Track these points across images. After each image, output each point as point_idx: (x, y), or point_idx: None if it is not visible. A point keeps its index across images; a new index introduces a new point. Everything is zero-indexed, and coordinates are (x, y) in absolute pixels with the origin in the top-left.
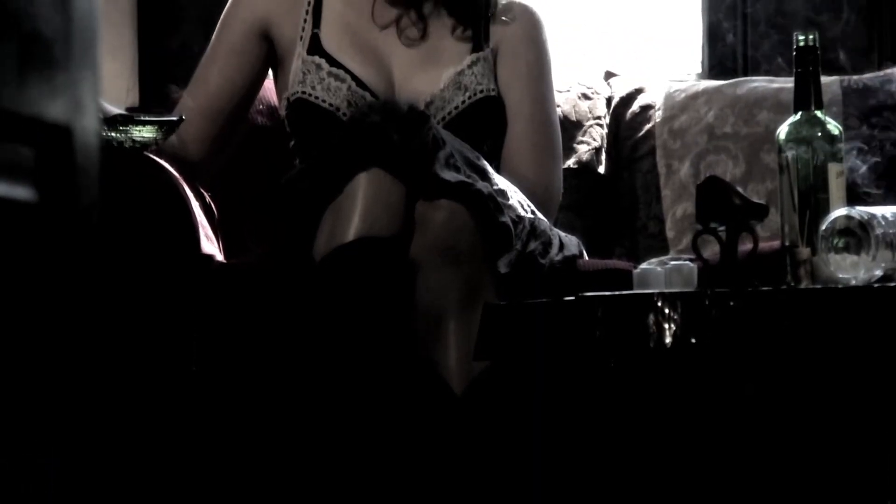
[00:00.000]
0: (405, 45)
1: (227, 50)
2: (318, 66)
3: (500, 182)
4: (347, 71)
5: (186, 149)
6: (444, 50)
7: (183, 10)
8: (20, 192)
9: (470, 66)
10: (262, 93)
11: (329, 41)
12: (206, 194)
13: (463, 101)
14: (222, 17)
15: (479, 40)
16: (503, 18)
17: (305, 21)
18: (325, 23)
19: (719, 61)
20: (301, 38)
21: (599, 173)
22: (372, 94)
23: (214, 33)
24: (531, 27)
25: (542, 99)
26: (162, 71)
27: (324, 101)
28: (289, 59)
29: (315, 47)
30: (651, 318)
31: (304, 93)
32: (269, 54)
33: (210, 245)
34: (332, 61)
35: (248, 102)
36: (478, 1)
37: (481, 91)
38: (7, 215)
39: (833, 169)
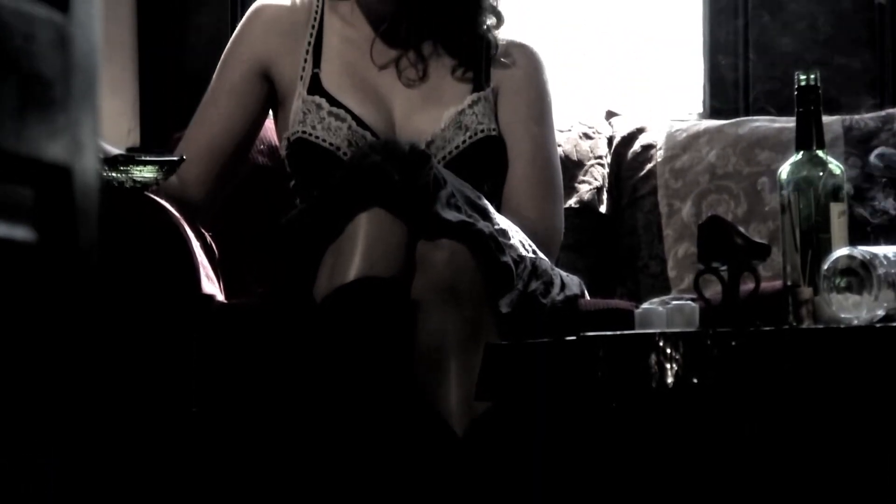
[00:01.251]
0: (405, 85)
1: (228, 90)
2: (319, 106)
3: (502, 222)
4: (348, 111)
5: (187, 189)
6: (445, 89)
7: (184, 49)
8: (19, 232)
9: (471, 106)
10: (262, 132)
11: (329, 81)
12: (206, 234)
13: (464, 141)
14: (223, 57)
15: (479, 80)
16: (504, 59)
17: (306, 61)
18: (326, 62)
19: (721, 101)
20: (301, 77)
21: (601, 213)
22: (372, 134)
23: (215, 73)
24: (532, 67)
25: (543, 139)
26: (163, 111)
27: (324, 140)
28: (289, 99)
29: (315, 87)
30: (653, 358)
31: (304, 132)
32: (270, 94)
33: (211, 285)
34: (333, 101)
35: (248, 142)
36: (478, 42)
37: (482, 131)
38: (6, 256)
39: (835, 208)
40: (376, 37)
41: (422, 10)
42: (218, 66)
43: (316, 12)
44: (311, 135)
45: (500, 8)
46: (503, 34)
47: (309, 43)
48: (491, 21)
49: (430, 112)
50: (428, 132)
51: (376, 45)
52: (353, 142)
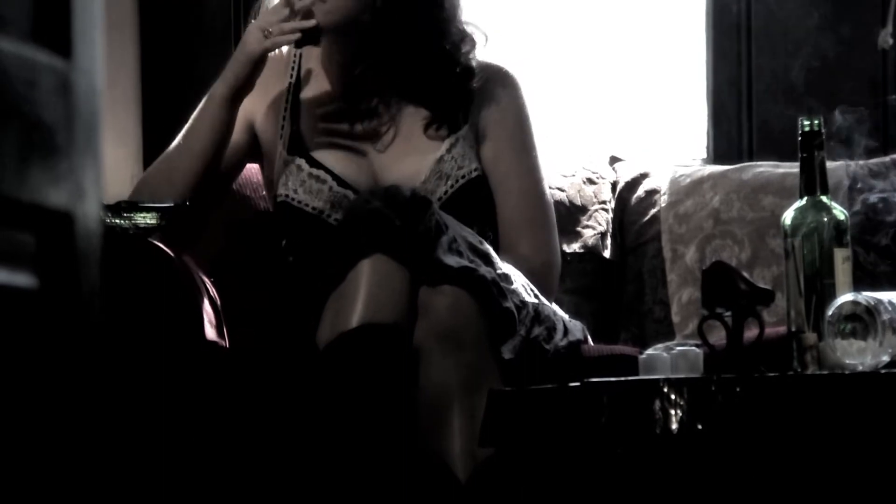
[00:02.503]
0: (378, 139)
1: None
2: (299, 168)
3: (504, 267)
4: (328, 170)
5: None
6: (420, 138)
7: (187, 96)
8: (21, 279)
9: (449, 151)
10: (264, 176)
11: (308, 140)
12: (208, 280)
13: (446, 192)
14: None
15: (455, 120)
16: (479, 89)
17: (284, 118)
18: (304, 118)
19: (725, 146)
20: (281, 136)
21: (605, 258)
22: (354, 193)
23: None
24: (509, 94)
25: (530, 170)
26: None
27: (307, 204)
28: (271, 156)
29: (295, 146)
30: (657, 403)
31: (286, 196)
32: (253, 145)
33: (214, 332)
34: (312, 161)
35: (227, 183)
36: (446, 90)
37: (463, 177)
38: (8, 303)
39: (839, 254)
40: (346, 90)
41: (383, 59)
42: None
43: (293, 64)
44: (293, 199)
45: (470, 60)
46: (478, 56)
47: (287, 99)
48: (458, 72)
49: (410, 163)
50: (408, 186)
51: (348, 100)
52: (336, 203)
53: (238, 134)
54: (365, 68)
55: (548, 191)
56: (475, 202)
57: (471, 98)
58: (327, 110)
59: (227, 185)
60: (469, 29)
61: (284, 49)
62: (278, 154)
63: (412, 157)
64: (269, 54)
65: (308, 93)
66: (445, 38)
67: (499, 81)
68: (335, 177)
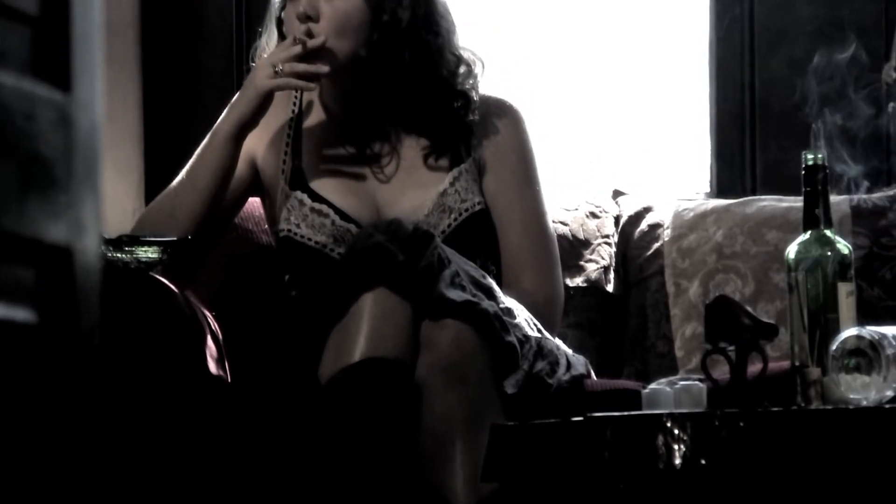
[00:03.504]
0: (380, 172)
1: None
2: (301, 202)
3: (507, 301)
4: (330, 205)
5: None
6: (423, 171)
7: (189, 130)
8: (20, 314)
9: (452, 184)
10: (266, 211)
11: (310, 174)
12: (210, 315)
13: (449, 225)
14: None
15: (458, 153)
16: (482, 123)
17: (286, 153)
18: (306, 153)
19: (728, 180)
20: (283, 171)
21: (608, 292)
22: (357, 227)
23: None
24: (512, 128)
25: (532, 203)
26: None
27: (309, 239)
28: (273, 191)
29: (296, 181)
30: (660, 438)
31: (289, 231)
32: (254, 180)
33: (216, 366)
34: (315, 196)
35: (229, 218)
36: (447, 122)
37: (466, 210)
38: (7, 338)
39: (843, 288)
40: (347, 124)
41: (381, 93)
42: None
43: (294, 100)
44: (295, 234)
45: (467, 86)
46: (482, 90)
47: (288, 134)
48: (458, 103)
49: (413, 197)
50: (412, 220)
51: (349, 134)
52: (339, 237)
53: (240, 169)
54: (364, 102)
55: (551, 225)
56: (478, 235)
57: (471, 128)
58: (329, 145)
59: (229, 220)
60: (465, 55)
61: None
62: (280, 189)
63: (415, 190)
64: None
65: (309, 127)
66: (442, 65)
67: (502, 115)
68: (337, 211)
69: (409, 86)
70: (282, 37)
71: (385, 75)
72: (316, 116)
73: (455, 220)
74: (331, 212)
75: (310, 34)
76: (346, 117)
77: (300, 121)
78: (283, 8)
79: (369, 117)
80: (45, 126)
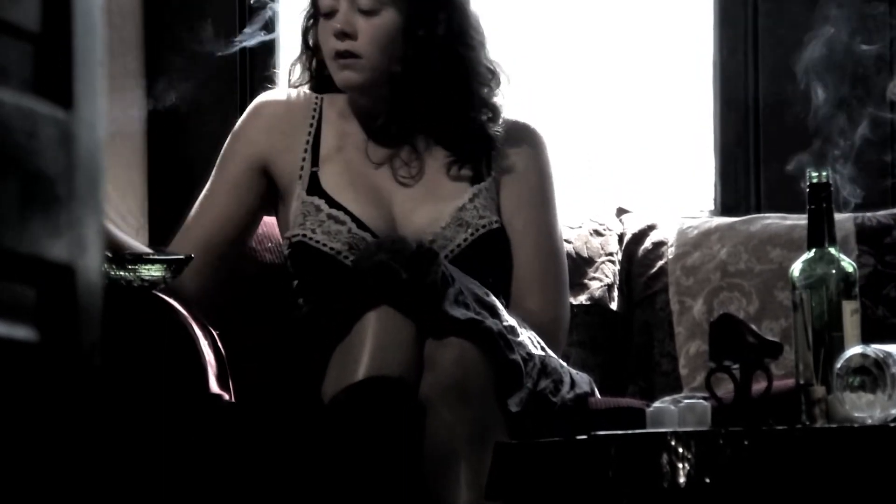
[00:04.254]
0: (400, 184)
1: (227, 185)
2: (318, 208)
3: (510, 319)
4: (347, 212)
5: (183, 282)
6: (444, 185)
7: (193, 149)
8: (21, 332)
9: (471, 200)
10: (270, 230)
11: (328, 180)
12: (214, 333)
13: (465, 239)
14: (222, 152)
15: (479, 170)
16: (504, 144)
17: (304, 159)
18: (324, 161)
19: (732, 198)
20: (300, 176)
21: (612, 310)
22: (373, 235)
23: (215, 168)
24: (534, 151)
25: (547, 227)
26: (171, 211)
27: (324, 245)
28: (289, 198)
29: (314, 187)
30: (664, 457)
31: (304, 236)
32: (269, 191)
33: (219, 384)
34: (332, 202)
35: (245, 237)
36: (474, 134)
37: (483, 226)
38: (8, 356)
39: (847, 307)
40: (371, 135)
41: (412, 108)
42: (217, 161)
43: (315, 107)
44: (311, 238)
45: (498, 103)
46: (505, 114)
47: (307, 141)
48: (486, 115)
49: (430, 209)
50: (429, 231)
51: (371, 143)
52: (354, 245)
53: (252, 181)
54: (392, 114)
55: (564, 250)
56: (493, 253)
57: (495, 143)
58: (349, 153)
59: (248, 238)
60: (495, 67)
61: (305, 92)
62: (296, 195)
63: (434, 203)
64: (289, 98)
65: (329, 136)
66: (476, 77)
67: (525, 137)
68: (355, 219)
69: (441, 99)
70: (307, 50)
71: (418, 89)
72: (337, 124)
73: (472, 234)
74: (348, 219)
75: (348, 51)
76: (370, 127)
77: (319, 128)
78: (309, 20)
79: (395, 130)
80: (46, 144)
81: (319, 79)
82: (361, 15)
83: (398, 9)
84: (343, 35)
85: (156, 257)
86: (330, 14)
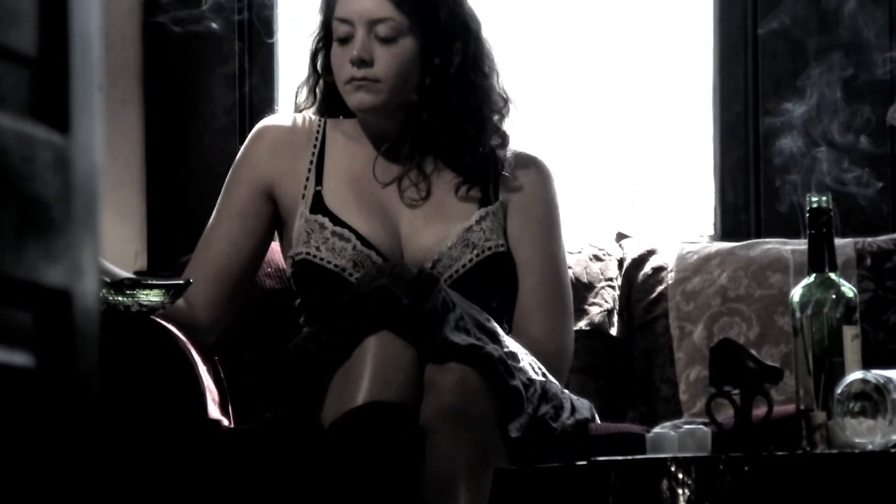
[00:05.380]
0: (407, 204)
1: (233, 213)
2: (322, 226)
3: (511, 344)
4: (352, 230)
5: (194, 312)
6: (451, 206)
7: (191, 173)
8: (18, 358)
9: (478, 222)
10: (270, 255)
11: (332, 199)
12: (214, 358)
13: (471, 259)
14: (227, 179)
15: (487, 194)
16: (512, 173)
17: (308, 179)
18: (328, 179)
19: (732, 223)
20: (303, 196)
21: (612, 335)
22: (378, 253)
23: (220, 196)
24: (542, 182)
25: (553, 256)
26: (170, 235)
27: (329, 262)
28: (292, 218)
29: (318, 205)
30: (665, 483)
31: (308, 253)
32: (275, 214)
33: (217, 410)
34: (336, 220)
35: (255, 264)
36: (483, 158)
37: (489, 248)
38: (5, 382)
39: (848, 332)
40: (378, 155)
41: (423, 129)
42: (223, 189)
43: (318, 130)
44: (315, 256)
45: (506, 128)
46: (513, 146)
47: (311, 161)
48: (496, 141)
49: (437, 229)
50: (434, 250)
51: (379, 163)
52: (359, 262)
53: (257, 207)
54: (403, 136)
55: (569, 281)
56: (497, 276)
57: (502, 167)
58: (354, 172)
59: (257, 267)
60: (506, 94)
61: (307, 116)
62: (299, 214)
63: (441, 222)
64: (291, 122)
65: (334, 155)
66: (489, 105)
67: (532, 168)
68: (359, 236)
69: (454, 125)
70: (315, 73)
71: (432, 115)
72: (342, 144)
73: (477, 256)
74: (352, 236)
75: (365, 78)
76: (379, 147)
77: (323, 147)
78: (319, 44)
79: (405, 150)
80: (43, 168)
81: (325, 102)
82: (379, 42)
83: (415, 37)
84: (361, 62)
85: (154, 282)
86: (345, 40)
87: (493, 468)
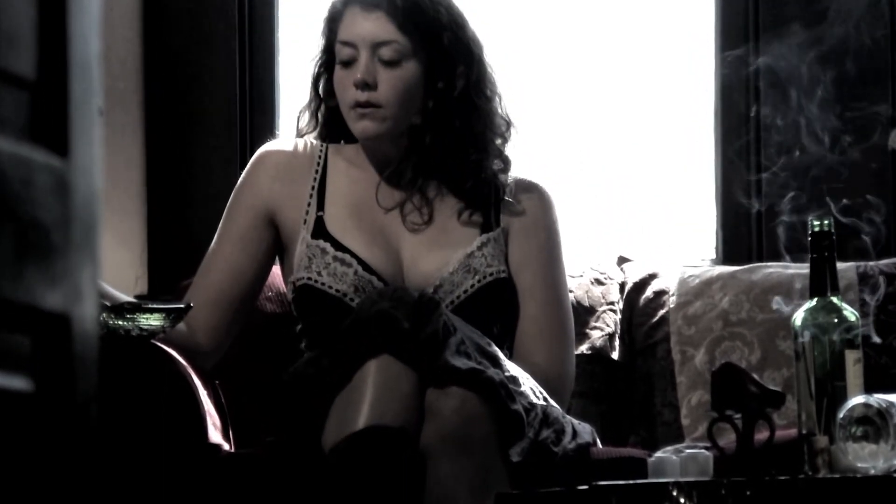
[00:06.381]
0: (409, 229)
1: (234, 237)
2: (324, 251)
3: (512, 369)
4: (353, 255)
5: (195, 336)
6: (453, 231)
7: (192, 197)
8: (17, 382)
9: (480, 248)
10: (270, 279)
11: (334, 224)
12: (215, 382)
13: (472, 285)
14: (228, 204)
15: (488, 221)
16: (513, 200)
17: (309, 204)
18: (330, 205)
19: (733, 246)
20: (305, 221)
21: (613, 359)
22: (379, 278)
23: (221, 221)
24: (542, 209)
25: (555, 283)
26: (170, 259)
27: (330, 287)
28: (293, 244)
29: (319, 230)
30: None
31: (309, 278)
32: (276, 240)
33: (218, 434)
34: (338, 245)
35: (257, 289)
36: (485, 183)
37: (491, 274)
38: (3, 406)
39: (850, 356)
40: (381, 180)
41: (427, 154)
42: (224, 214)
43: (320, 155)
44: (316, 281)
45: (508, 153)
46: (514, 174)
47: (313, 187)
48: (498, 165)
49: (438, 255)
50: (436, 276)
51: (381, 188)
52: (360, 287)
53: (259, 232)
54: (406, 161)
55: (570, 305)
56: (499, 302)
57: (504, 191)
58: (357, 198)
59: (258, 292)
60: (508, 118)
61: (309, 142)
62: (301, 239)
63: (443, 248)
64: (293, 147)
65: (336, 181)
66: (492, 129)
67: (533, 194)
68: (361, 261)
69: (458, 149)
70: (316, 97)
71: (436, 139)
72: (344, 170)
73: (479, 281)
74: (354, 261)
75: (369, 102)
76: (382, 172)
77: (325, 172)
78: (321, 67)
79: (409, 175)
80: (42, 192)
81: (327, 126)
82: (383, 66)
83: (419, 60)
84: (364, 85)
85: (154, 306)
86: (349, 63)
87: (493, 492)
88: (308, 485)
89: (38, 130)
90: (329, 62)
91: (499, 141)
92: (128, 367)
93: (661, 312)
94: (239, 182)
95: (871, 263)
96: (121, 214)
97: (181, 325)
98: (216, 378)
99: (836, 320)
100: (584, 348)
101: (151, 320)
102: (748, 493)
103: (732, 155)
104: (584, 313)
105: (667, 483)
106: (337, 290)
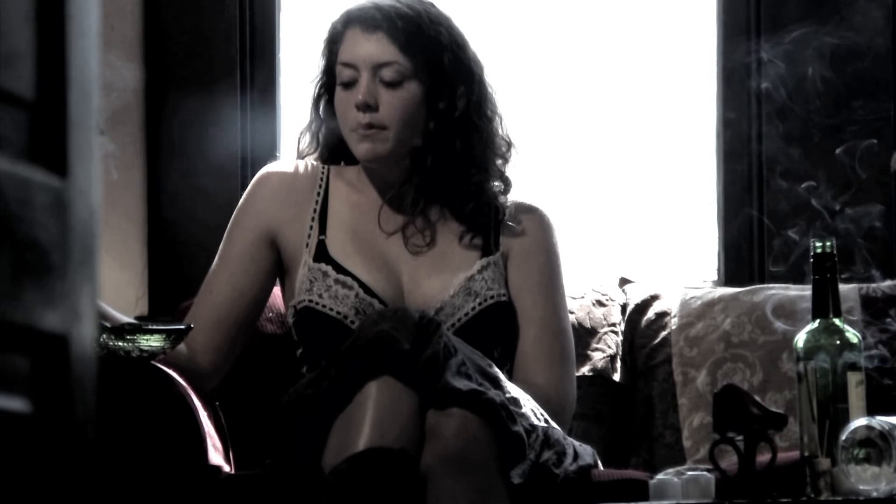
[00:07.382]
0: (411, 252)
1: (235, 258)
2: (325, 274)
3: (513, 390)
4: (355, 278)
5: (195, 357)
6: (454, 254)
7: (192, 217)
8: (15, 403)
9: (480, 272)
10: (271, 300)
11: (335, 247)
12: (215, 403)
13: (473, 308)
14: (229, 225)
15: (488, 244)
16: (513, 223)
17: (311, 227)
18: (331, 228)
19: (735, 268)
20: (307, 244)
21: (615, 381)
22: (380, 301)
23: (222, 242)
24: (542, 232)
25: (555, 306)
26: (171, 280)
27: (331, 309)
28: (295, 267)
29: (321, 254)
30: None
31: (310, 301)
32: (277, 261)
33: (218, 456)
34: (339, 268)
35: (257, 310)
36: (485, 207)
37: (492, 297)
38: (1, 428)
39: (852, 378)
40: (383, 203)
41: (428, 177)
42: (225, 235)
43: (321, 178)
44: (317, 304)
45: (508, 174)
46: (513, 197)
47: (314, 210)
48: (498, 187)
49: (439, 278)
50: (437, 299)
51: (383, 212)
52: (361, 310)
53: (261, 254)
54: (408, 184)
55: (570, 328)
56: (499, 325)
57: (504, 213)
58: (359, 222)
59: (259, 313)
60: (509, 139)
61: (310, 163)
62: (302, 262)
63: (444, 271)
64: (294, 168)
65: (337, 205)
66: (493, 150)
67: (533, 218)
68: (362, 284)
69: (459, 170)
70: (317, 118)
71: (437, 161)
72: (346, 194)
73: (480, 304)
74: (355, 284)
75: (371, 123)
76: (384, 196)
77: (327, 195)
78: (321, 89)
79: (411, 197)
80: (40, 212)
81: (328, 148)
82: (384, 87)
83: (420, 81)
84: (366, 107)
85: (154, 327)
86: (350, 84)
87: None
88: None
89: (37, 150)
90: (329, 83)
91: (499, 161)
92: (128, 388)
93: (663, 334)
94: (240, 203)
95: (874, 285)
96: (121, 235)
97: (181, 347)
98: (216, 399)
99: (838, 342)
100: (585, 370)
101: (151, 341)
102: None
103: (735, 178)
104: (586, 335)
105: None
106: (338, 313)
